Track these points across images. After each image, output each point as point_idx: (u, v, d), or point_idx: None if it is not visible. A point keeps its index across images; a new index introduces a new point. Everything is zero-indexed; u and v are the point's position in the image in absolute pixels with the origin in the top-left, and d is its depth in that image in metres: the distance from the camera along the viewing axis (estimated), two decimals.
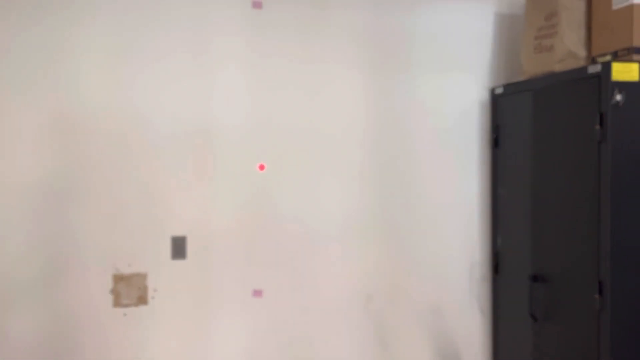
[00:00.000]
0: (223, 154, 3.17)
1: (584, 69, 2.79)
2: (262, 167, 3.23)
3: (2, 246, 2.92)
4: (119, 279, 3.04)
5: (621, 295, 2.65)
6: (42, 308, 2.96)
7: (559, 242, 2.96)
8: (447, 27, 3.49)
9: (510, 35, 3.56)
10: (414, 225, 3.45)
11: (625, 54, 2.71)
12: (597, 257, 2.69)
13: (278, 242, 3.25)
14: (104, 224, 3.03)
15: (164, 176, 3.10)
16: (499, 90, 3.43)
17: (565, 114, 2.91)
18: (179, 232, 3.12)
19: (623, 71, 2.61)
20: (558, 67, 3.01)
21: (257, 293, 3.23)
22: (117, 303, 3.05)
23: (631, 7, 2.69)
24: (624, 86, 2.62)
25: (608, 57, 2.80)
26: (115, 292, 3.04)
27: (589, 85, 2.73)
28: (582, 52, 2.96)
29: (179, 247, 3.11)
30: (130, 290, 3.06)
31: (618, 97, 2.61)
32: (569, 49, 2.98)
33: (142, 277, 3.08)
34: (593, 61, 2.90)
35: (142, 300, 3.08)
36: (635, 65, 2.63)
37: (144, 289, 3.08)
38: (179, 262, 3.12)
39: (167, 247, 3.11)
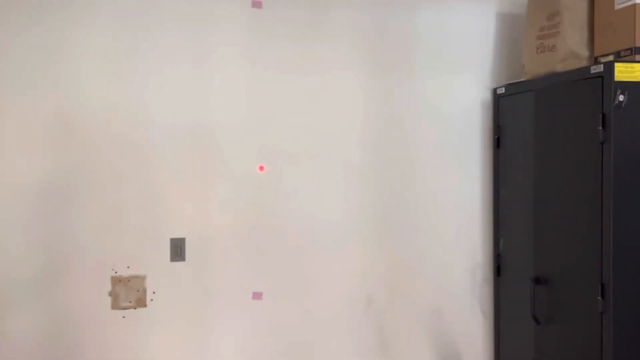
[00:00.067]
0: (223, 155, 3.16)
1: (586, 69, 2.77)
2: (261, 169, 3.21)
3: (0, 247, 2.91)
4: (117, 281, 3.03)
5: (623, 297, 2.64)
6: (40, 309, 2.95)
7: (561, 244, 2.95)
8: (448, 27, 3.48)
9: (512, 35, 3.55)
10: (414, 226, 3.43)
11: (628, 54, 2.70)
12: (600, 258, 2.68)
13: (278, 244, 3.24)
14: (103, 226, 3.02)
15: (163, 177, 3.09)
16: (501, 91, 3.42)
17: (567, 114, 2.90)
18: (178, 234, 3.11)
19: (626, 71, 2.60)
20: (560, 67, 3.00)
21: (257, 295, 3.22)
22: (115, 305, 3.04)
23: (634, 7, 2.67)
24: (627, 86, 2.60)
25: (610, 57, 2.78)
26: (114, 294, 3.03)
27: (591, 85, 2.72)
28: (584, 52, 2.95)
29: (178, 249, 3.10)
30: (129, 292, 3.05)
31: (621, 98, 2.60)
32: (571, 49, 2.96)
33: (141, 279, 3.07)
34: (595, 61, 2.89)
35: (140, 302, 3.07)
36: (638, 66, 2.62)
37: (143, 291, 3.07)
38: (178, 264, 3.11)
39: (166, 249, 3.10)
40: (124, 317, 3.06)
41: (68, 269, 2.98)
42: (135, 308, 3.07)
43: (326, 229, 3.31)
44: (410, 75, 3.42)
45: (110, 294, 3.03)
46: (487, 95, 3.53)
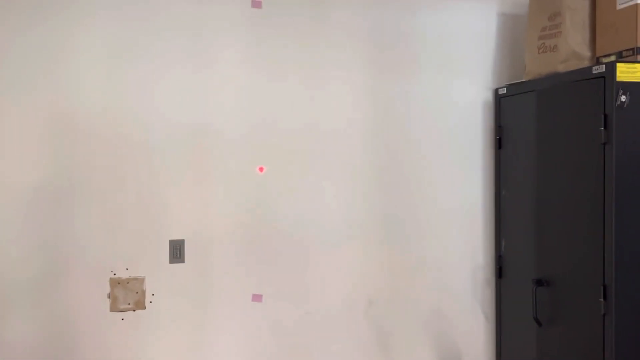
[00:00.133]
0: (222, 156, 3.15)
1: (588, 70, 2.76)
2: (261, 170, 3.20)
3: None
4: (116, 283, 3.02)
5: (625, 299, 2.63)
6: (39, 311, 2.94)
7: (562, 245, 2.94)
8: (449, 28, 3.47)
9: (514, 36, 3.54)
10: (415, 228, 3.42)
11: (630, 54, 2.69)
12: (602, 260, 2.67)
13: (278, 245, 3.23)
14: (102, 227, 3.01)
15: (162, 179, 3.08)
16: (502, 91, 3.41)
17: (569, 114, 2.89)
18: (177, 236, 3.10)
19: (628, 72, 2.59)
20: (562, 68, 2.99)
21: (257, 297, 3.21)
22: (114, 307, 3.03)
23: (636, 7, 2.66)
24: (629, 87, 2.60)
25: (612, 58, 2.77)
26: (113, 297, 3.02)
27: (593, 85, 2.71)
28: (586, 53, 2.94)
29: (177, 251, 3.09)
30: (127, 294, 3.04)
31: (623, 98, 2.59)
32: (573, 49, 2.95)
33: (140, 281, 3.06)
34: (597, 61, 2.88)
35: (139, 304, 3.05)
36: None
37: (142, 293, 3.06)
38: (177, 266, 3.10)
39: (165, 251, 3.09)
40: (122, 319, 3.04)
41: (66, 271, 2.97)
42: (134, 310, 3.05)
43: (326, 230, 3.30)
44: (411, 76, 3.41)
45: (109, 296, 3.02)
46: (489, 96, 3.52)
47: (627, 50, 2.71)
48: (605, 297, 2.65)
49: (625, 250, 2.62)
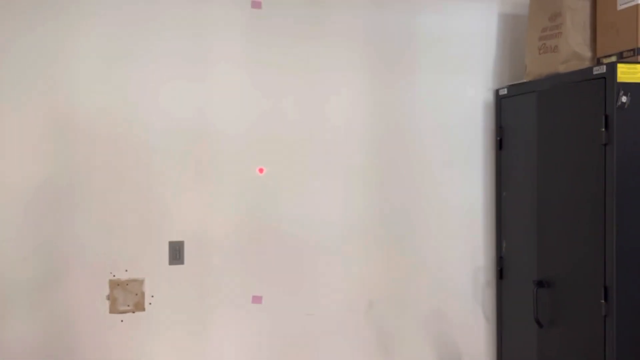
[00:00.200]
0: (222, 157, 3.15)
1: (588, 70, 2.76)
2: (261, 171, 3.20)
3: None
4: (115, 284, 3.02)
5: (626, 300, 2.63)
6: (38, 312, 2.94)
7: (563, 246, 2.93)
8: (450, 28, 3.46)
9: (514, 36, 3.53)
10: (416, 229, 3.42)
11: (631, 55, 2.69)
12: (603, 261, 2.67)
13: (278, 246, 3.23)
14: (101, 228, 3.01)
15: (162, 180, 3.08)
16: (503, 92, 3.41)
17: (569, 115, 2.88)
18: (176, 237, 3.10)
19: (628, 72, 2.59)
20: (562, 68, 2.99)
21: (257, 299, 3.20)
22: (113, 309, 3.02)
23: (636, 8, 2.66)
24: (630, 87, 2.59)
25: (613, 58, 2.77)
26: (112, 298, 3.02)
27: (593, 86, 2.70)
28: (587, 53, 2.94)
29: (176, 252, 3.09)
30: (127, 296, 3.03)
31: (623, 99, 2.59)
32: (573, 49, 2.95)
33: (140, 282, 3.06)
34: (598, 62, 2.87)
35: (139, 306, 3.05)
36: None
37: (141, 294, 3.06)
38: (176, 268, 3.10)
39: (164, 252, 3.08)
40: (122, 321, 3.04)
41: (66, 272, 2.97)
42: (133, 312, 3.05)
43: (326, 232, 3.29)
44: (412, 76, 3.41)
45: (108, 297, 3.02)
46: (489, 96, 3.51)
47: (627, 50, 2.71)
48: (606, 299, 2.65)
49: (626, 251, 2.62)
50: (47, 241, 2.95)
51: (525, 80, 3.27)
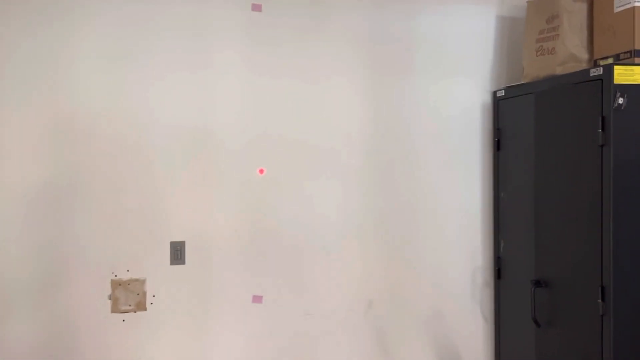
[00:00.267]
0: (222, 158, 3.16)
1: (585, 72, 2.77)
2: (261, 172, 3.21)
3: (0, 249, 2.91)
4: (117, 284, 3.03)
5: (624, 300, 2.64)
6: (40, 312, 2.95)
7: (561, 246, 2.94)
8: (448, 30, 3.47)
9: (512, 38, 3.55)
10: (414, 230, 3.43)
11: (627, 57, 2.71)
12: (600, 261, 2.68)
13: (278, 247, 3.24)
14: (103, 229, 3.01)
15: (163, 180, 3.09)
16: (501, 93, 3.42)
17: (567, 117, 2.90)
18: (178, 237, 3.11)
19: (625, 74, 2.60)
20: (560, 70, 3.00)
21: (257, 299, 3.21)
22: (115, 309, 3.03)
23: (633, 10, 2.67)
24: (626, 89, 2.61)
25: (610, 60, 2.79)
26: (114, 298, 3.02)
27: (591, 88, 2.72)
28: (584, 55, 2.95)
29: (178, 252, 3.10)
30: (128, 295, 3.04)
31: (620, 100, 2.60)
32: (570, 51, 2.97)
33: (141, 282, 3.07)
34: (595, 64, 2.88)
35: (140, 306, 3.06)
36: (637, 68, 2.62)
37: (143, 294, 3.06)
38: (178, 268, 3.11)
39: (166, 252, 3.09)
40: (123, 320, 3.05)
41: (67, 272, 2.98)
42: (135, 312, 3.06)
43: (326, 232, 3.30)
44: (410, 79, 3.42)
45: (110, 297, 3.03)
46: (487, 98, 3.53)
47: (624, 52, 2.72)
48: (603, 298, 2.66)
49: (623, 251, 2.63)
50: (48, 241, 2.95)
51: (522, 82, 3.28)
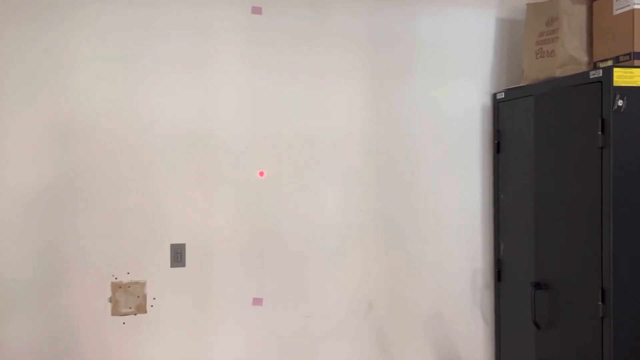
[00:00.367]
0: (223, 160, 3.16)
1: (585, 74, 2.77)
2: (262, 174, 3.21)
3: (0, 252, 2.91)
4: (117, 287, 3.03)
5: (624, 302, 2.63)
6: (40, 315, 2.95)
7: (561, 249, 2.94)
8: (448, 33, 3.48)
9: (512, 41, 3.55)
10: (415, 232, 3.43)
11: (627, 59, 2.71)
12: (600, 263, 2.67)
13: (278, 249, 3.24)
14: (103, 231, 3.02)
15: (164, 183, 3.09)
16: (501, 96, 3.42)
17: (566, 119, 2.90)
18: (178, 240, 3.11)
19: (624, 76, 2.60)
20: (559, 72, 3.00)
21: (257, 301, 3.21)
22: (115, 311, 3.03)
23: (632, 12, 2.68)
24: (626, 91, 2.60)
25: (609, 62, 2.79)
26: (114, 300, 3.03)
27: (590, 90, 2.72)
28: (583, 57, 2.95)
29: (178, 255, 3.10)
30: (129, 298, 3.04)
31: (620, 103, 2.60)
32: (570, 54, 2.97)
33: (141, 285, 3.07)
34: (594, 66, 2.89)
35: (141, 308, 3.06)
36: (637, 71, 2.62)
37: (143, 297, 3.07)
38: (178, 270, 3.11)
39: (166, 255, 3.10)
40: (124, 323, 3.05)
41: (68, 275, 2.98)
42: (135, 314, 3.06)
43: (327, 235, 3.31)
44: (410, 81, 3.42)
45: (110, 300, 3.03)
46: (487, 100, 3.53)
47: (624, 55, 2.72)
48: (603, 300, 2.65)
49: (623, 253, 2.62)
50: (48, 243, 2.96)
51: (522, 84, 3.28)
